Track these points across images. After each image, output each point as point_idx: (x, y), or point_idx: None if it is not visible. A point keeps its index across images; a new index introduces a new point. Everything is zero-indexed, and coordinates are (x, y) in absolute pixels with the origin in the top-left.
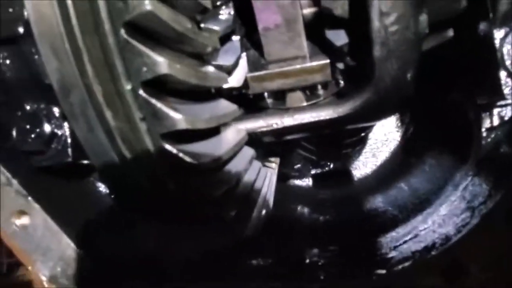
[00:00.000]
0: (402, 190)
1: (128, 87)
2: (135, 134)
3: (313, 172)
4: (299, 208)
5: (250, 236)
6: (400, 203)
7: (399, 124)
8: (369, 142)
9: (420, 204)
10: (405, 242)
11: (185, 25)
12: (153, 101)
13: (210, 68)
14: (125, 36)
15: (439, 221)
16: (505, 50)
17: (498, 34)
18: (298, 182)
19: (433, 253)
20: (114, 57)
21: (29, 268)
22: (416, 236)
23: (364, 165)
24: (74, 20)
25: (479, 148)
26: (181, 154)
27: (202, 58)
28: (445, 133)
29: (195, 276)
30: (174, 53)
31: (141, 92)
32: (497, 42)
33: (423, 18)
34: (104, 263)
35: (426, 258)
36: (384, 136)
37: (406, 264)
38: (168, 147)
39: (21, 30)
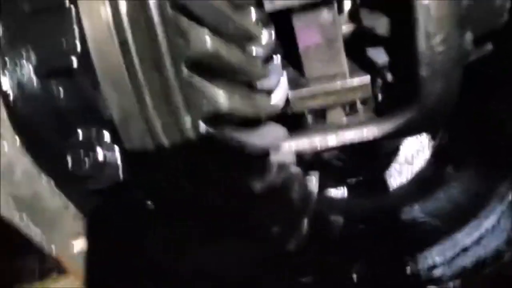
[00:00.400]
0: (441, 200)
1: (188, 119)
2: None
3: (348, 181)
4: (335, 218)
5: (292, 251)
6: (440, 213)
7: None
8: (403, 150)
9: (463, 215)
10: (453, 257)
11: (240, 57)
12: (213, 132)
13: (261, 96)
14: (185, 71)
15: (487, 235)
16: None
17: None
18: (333, 191)
19: (484, 269)
20: (174, 91)
21: None
22: (464, 250)
23: (399, 174)
24: (134, 56)
25: None
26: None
27: (252, 85)
28: (483, 143)
29: None
30: (230, 85)
31: (200, 124)
32: None
33: (468, 36)
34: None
35: (477, 274)
36: (419, 144)
37: (457, 280)
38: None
39: (74, 61)
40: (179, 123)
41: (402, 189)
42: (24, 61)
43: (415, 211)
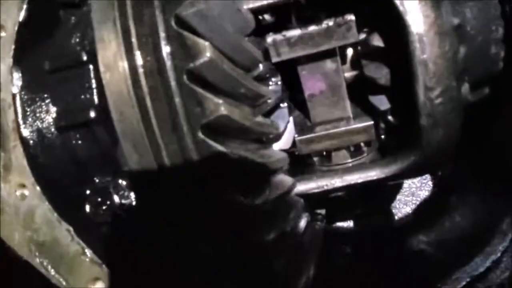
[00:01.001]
0: (445, 230)
1: None
2: None
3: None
4: (342, 249)
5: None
6: (444, 245)
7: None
8: (408, 180)
9: (467, 248)
10: None
11: (251, 119)
12: None
13: (272, 151)
14: (201, 136)
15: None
16: None
17: None
18: (339, 223)
19: None
20: (191, 153)
21: None
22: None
23: (404, 204)
24: (153, 121)
25: None
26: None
27: (263, 140)
28: (486, 172)
29: None
30: (243, 144)
31: None
32: None
33: (465, 87)
34: None
35: None
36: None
37: None
38: None
39: (92, 115)
40: None
41: (407, 220)
42: (44, 114)
43: (420, 243)
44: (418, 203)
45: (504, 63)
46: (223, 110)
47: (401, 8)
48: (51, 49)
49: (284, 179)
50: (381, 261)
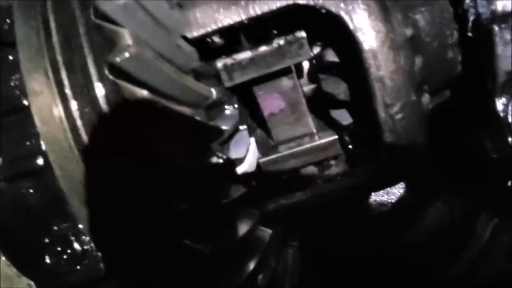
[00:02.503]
0: (422, 230)
1: None
2: None
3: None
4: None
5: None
6: (421, 246)
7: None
8: None
9: (444, 248)
10: None
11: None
12: None
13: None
14: None
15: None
16: (510, 117)
17: (500, 101)
18: None
19: None
20: None
21: None
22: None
23: (380, 205)
24: None
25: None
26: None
27: None
28: (459, 173)
29: None
30: None
31: None
32: (500, 108)
33: (426, 97)
34: None
35: None
36: None
37: None
38: None
39: (40, 162)
40: None
41: (383, 217)
42: None
43: (397, 243)
44: (393, 202)
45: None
46: None
47: (351, 25)
48: None
49: (248, 214)
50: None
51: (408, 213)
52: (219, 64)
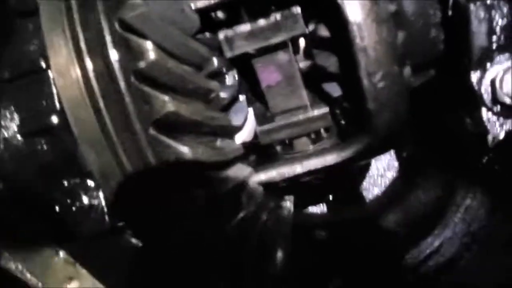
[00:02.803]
0: (411, 209)
1: None
2: None
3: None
4: (316, 233)
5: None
6: (409, 223)
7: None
8: (376, 163)
9: (427, 225)
10: (418, 264)
11: (202, 113)
12: None
13: (227, 143)
14: (152, 132)
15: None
16: (483, 89)
17: (475, 74)
18: (312, 208)
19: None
20: (146, 149)
21: None
22: (427, 258)
23: (373, 186)
24: (108, 122)
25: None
26: None
27: (216, 133)
28: (440, 152)
29: None
30: (196, 138)
31: None
32: (474, 81)
33: (407, 70)
34: None
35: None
36: (390, 157)
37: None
38: None
39: (54, 120)
40: None
41: (377, 200)
42: (9, 122)
43: (389, 222)
44: (386, 183)
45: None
46: (170, 106)
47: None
48: (9, 58)
49: (241, 168)
50: (356, 239)
51: (400, 193)
52: (221, 35)
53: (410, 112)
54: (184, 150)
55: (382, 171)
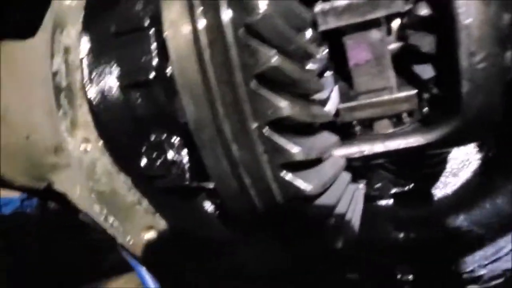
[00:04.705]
0: (487, 210)
1: (254, 126)
2: (257, 164)
3: (393, 191)
4: (382, 227)
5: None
6: (484, 222)
7: (480, 144)
8: (450, 162)
9: (507, 224)
10: (494, 260)
11: (299, 73)
12: (276, 137)
13: (316, 106)
14: (254, 85)
15: None
16: None
17: None
18: (379, 201)
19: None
20: (244, 102)
21: None
22: (506, 255)
23: (444, 185)
24: (210, 73)
25: None
26: (295, 182)
27: (309, 96)
28: None
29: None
30: (291, 96)
31: (265, 130)
32: None
33: (508, 54)
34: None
35: None
36: (465, 156)
37: (499, 281)
38: (284, 174)
39: (152, 75)
40: (247, 129)
41: (448, 199)
42: (108, 74)
43: (460, 220)
44: (458, 184)
45: None
46: (274, 61)
47: None
48: (116, 15)
49: (329, 136)
50: (422, 235)
51: (473, 195)
52: (317, 8)
53: (505, 102)
54: (283, 104)
55: (457, 170)
